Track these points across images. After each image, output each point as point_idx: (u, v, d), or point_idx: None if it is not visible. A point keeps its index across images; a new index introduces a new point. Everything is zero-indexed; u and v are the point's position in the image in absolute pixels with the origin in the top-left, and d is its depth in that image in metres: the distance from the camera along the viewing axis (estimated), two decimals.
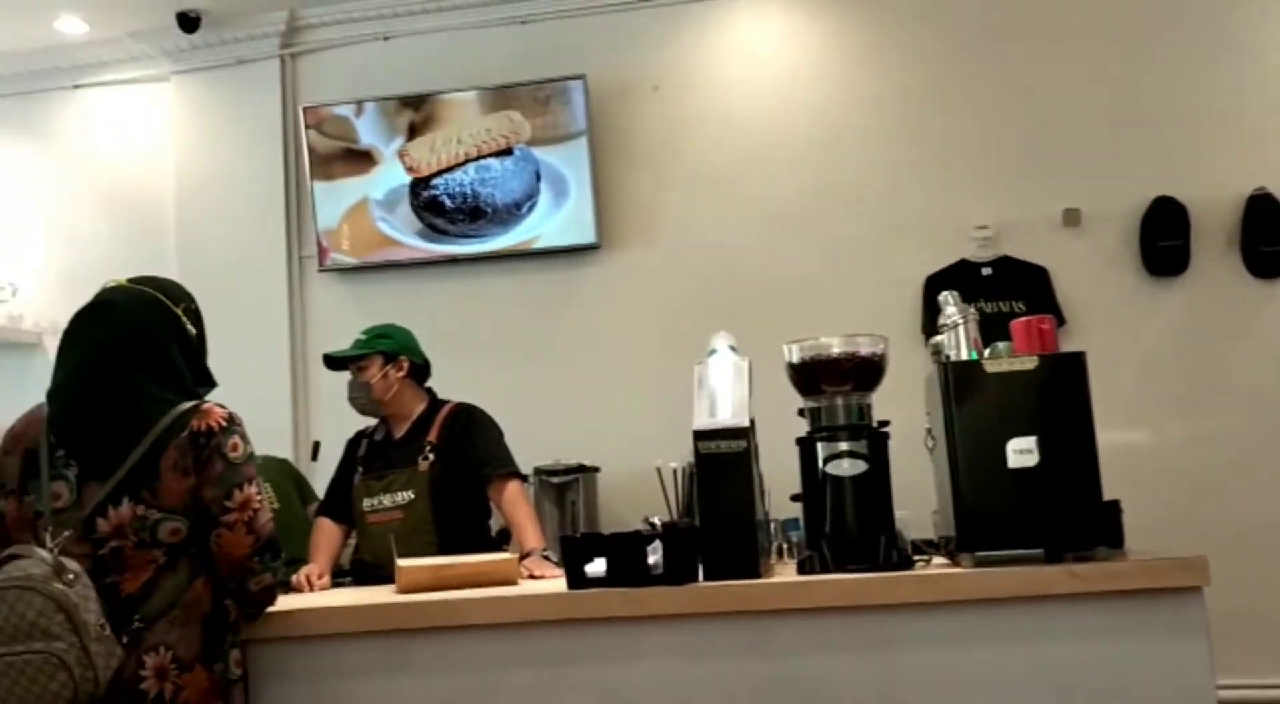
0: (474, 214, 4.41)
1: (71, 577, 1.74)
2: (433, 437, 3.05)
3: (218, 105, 4.67)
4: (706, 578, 2.01)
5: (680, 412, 4.12)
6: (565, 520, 3.84)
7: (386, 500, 3.00)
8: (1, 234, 4.80)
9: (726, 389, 2.13)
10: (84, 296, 4.98)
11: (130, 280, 2.05)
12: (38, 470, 1.87)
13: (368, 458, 3.13)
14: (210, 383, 2.05)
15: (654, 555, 1.99)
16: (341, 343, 3.28)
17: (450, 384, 3.27)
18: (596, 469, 4.06)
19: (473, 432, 3.07)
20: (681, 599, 1.96)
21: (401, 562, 2.25)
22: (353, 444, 3.23)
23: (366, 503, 3.03)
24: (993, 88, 4.22)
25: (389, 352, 3.09)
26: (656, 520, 2.12)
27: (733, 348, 2.26)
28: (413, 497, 2.98)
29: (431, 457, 3.01)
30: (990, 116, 4.21)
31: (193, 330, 2.04)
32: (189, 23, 4.43)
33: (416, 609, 2.08)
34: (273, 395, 4.39)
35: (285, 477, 3.65)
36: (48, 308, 4.74)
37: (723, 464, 2.01)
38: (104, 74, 4.78)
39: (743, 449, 2.02)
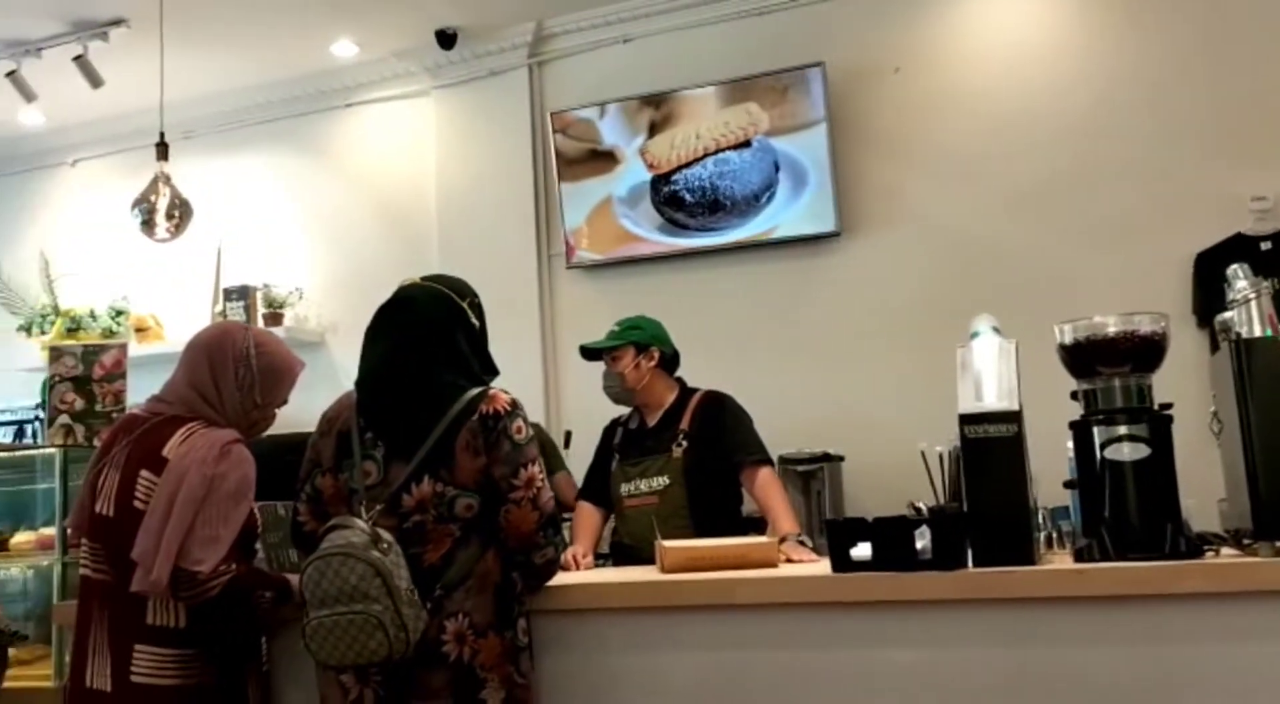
0: (713, 207, 4.48)
1: (385, 546, 1.93)
2: (685, 424, 3.13)
3: (473, 116, 4.97)
4: (976, 564, 1.98)
5: (925, 398, 4.06)
6: (811, 509, 3.85)
7: (643, 485, 3.11)
8: (290, 243, 5.31)
9: (992, 372, 2.09)
10: (358, 298, 5.44)
11: (423, 278, 2.23)
12: (350, 451, 2.08)
13: (623, 445, 3.25)
14: (493, 370, 2.21)
15: (921, 540, 1.98)
16: (590, 336, 3.44)
17: (693, 376, 3.35)
18: (841, 458, 4.04)
19: (724, 419, 3.14)
20: (951, 585, 1.95)
21: (666, 543, 2.34)
22: (609, 432, 3.36)
23: (624, 488, 3.15)
24: (1266, 47, 3.89)
25: (640, 342, 3.20)
26: (922, 505, 2.11)
27: (996, 330, 2.21)
28: (667, 482, 3.07)
29: (684, 444, 3.10)
30: (1263, 79, 3.88)
31: (476, 322, 2.21)
32: (446, 40, 4.75)
33: (685, 588, 2.16)
34: (527, 386, 4.61)
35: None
36: (328, 309, 5.20)
37: (991, 449, 1.98)
38: (372, 92, 5.18)
39: (1013, 433, 1.98)
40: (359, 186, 5.24)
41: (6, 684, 2.80)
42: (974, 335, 2.19)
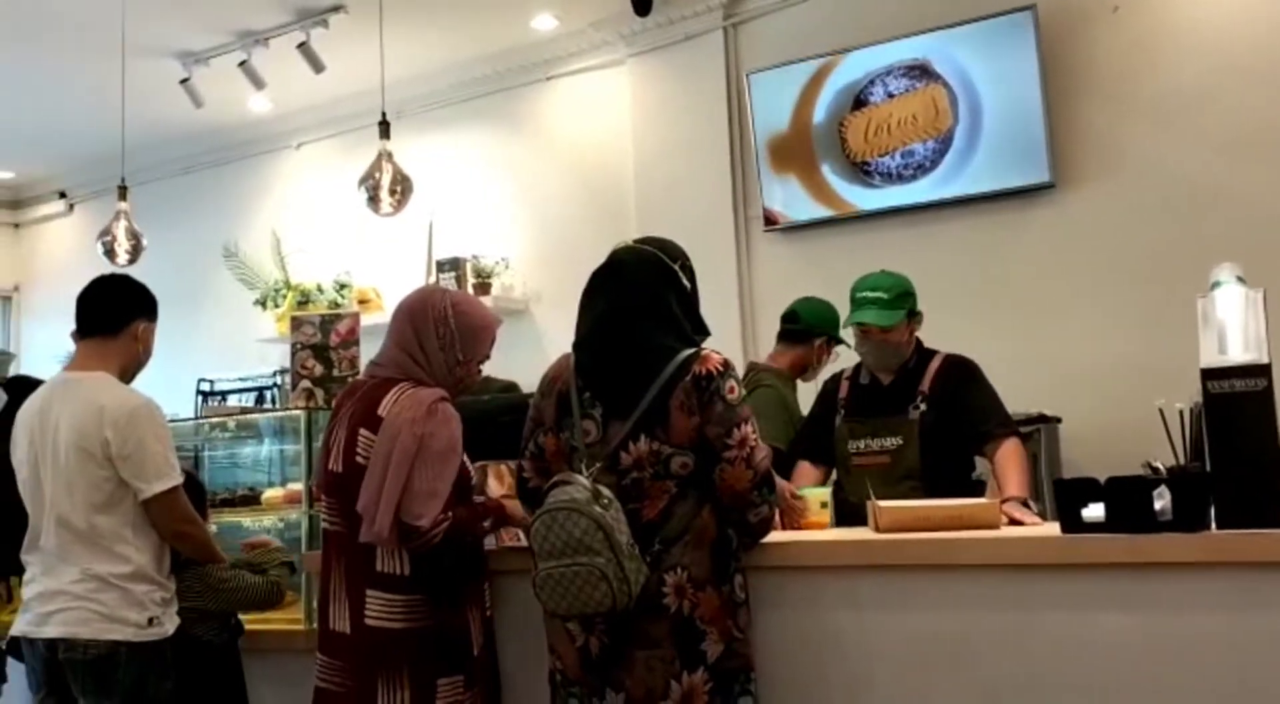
0: (912, 162, 4.36)
1: (606, 501, 2.00)
2: (925, 387, 2.95)
3: (668, 81, 5.00)
4: (1220, 527, 1.87)
5: (1150, 355, 3.82)
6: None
7: (874, 444, 2.96)
8: (496, 215, 5.51)
9: (1238, 323, 1.95)
10: (560, 266, 5.61)
11: (635, 241, 2.28)
12: (570, 410, 2.16)
13: (853, 401, 3.07)
14: (705, 331, 2.24)
15: (1160, 501, 1.88)
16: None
17: None
18: (1058, 419, 3.87)
19: (972, 386, 2.96)
20: (1193, 547, 1.85)
21: (881, 503, 2.32)
22: (831, 387, 3.18)
23: (851, 445, 2.99)
24: None
25: (913, 310, 3.03)
26: (1160, 465, 2.00)
27: (1240, 279, 2.06)
28: (901, 442, 2.92)
29: (923, 406, 2.92)
30: None
31: (688, 284, 2.24)
32: (642, 6, 4.79)
33: (905, 546, 2.14)
34: (724, 350, 4.59)
35: None
36: (533, 277, 5.39)
37: (1238, 404, 1.86)
38: (570, 64, 5.30)
39: (1262, 387, 1.85)
40: (559, 157, 5.38)
41: (266, 626, 3.08)
42: (1215, 285, 2.04)
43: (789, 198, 4.64)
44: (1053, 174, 4.09)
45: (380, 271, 5.72)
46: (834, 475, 3.08)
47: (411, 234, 5.49)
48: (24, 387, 3.21)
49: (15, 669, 3.01)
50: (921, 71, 4.34)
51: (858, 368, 3.14)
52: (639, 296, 2.15)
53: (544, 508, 2.01)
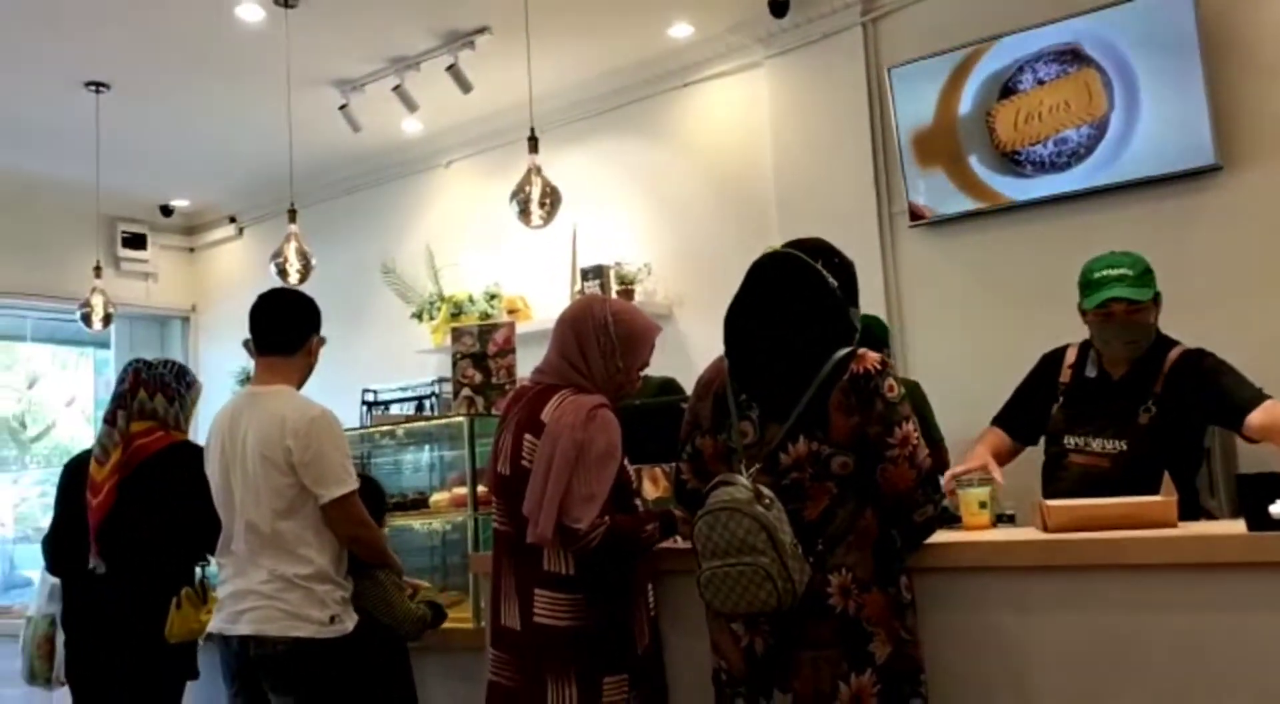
0: (1066, 150, 4.22)
1: (768, 501, 2.02)
2: (1158, 387, 2.70)
3: (807, 81, 4.98)
4: None
5: None
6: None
7: (1095, 445, 2.73)
8: (637, 222, 5.60)
9: None
10: (702, 271, 5.62)
11: (785, 244, 2.30)
12: (727, 412, 2.20)
13: (1075, 393, 2.84)
14: (855, 330, 2.23)
15: None
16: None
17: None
18: None
19: (1209, 380, 2.69)
20: None
21: (1049, 502, 2.27)
22: (1052, 365, 2.93)
23: (1069, 440, 2.78)
24: None
25: (1157, 291, 2.78)
26: None
27: None
28: (1125, 448, 2.68)
29: (1154, 410, 2.67)
30: None
31: (839, 283, 2.24)
32: (779, 8, 4.79)
33: (1077, 546, 2.09)
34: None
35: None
36: (674, 282, 5.44)
37: None
38: (707, 70, 5.33)
39: None
40: (698, 162, 5.42)
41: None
42: None
43: (935, 192, 4.56)
44: (1219, 156, 3.89)
45: (527, 281, 5.89)
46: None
47: (555, 244, 5.62)
48: None
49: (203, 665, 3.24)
50: (1073, 56, 4.20)
51: (1083, 355, 2.87)
52: (791, 297, 2.17)
53: (706, 508, 2.05)
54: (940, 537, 2.22)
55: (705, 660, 2.25)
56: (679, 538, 2.47)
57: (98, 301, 5.70)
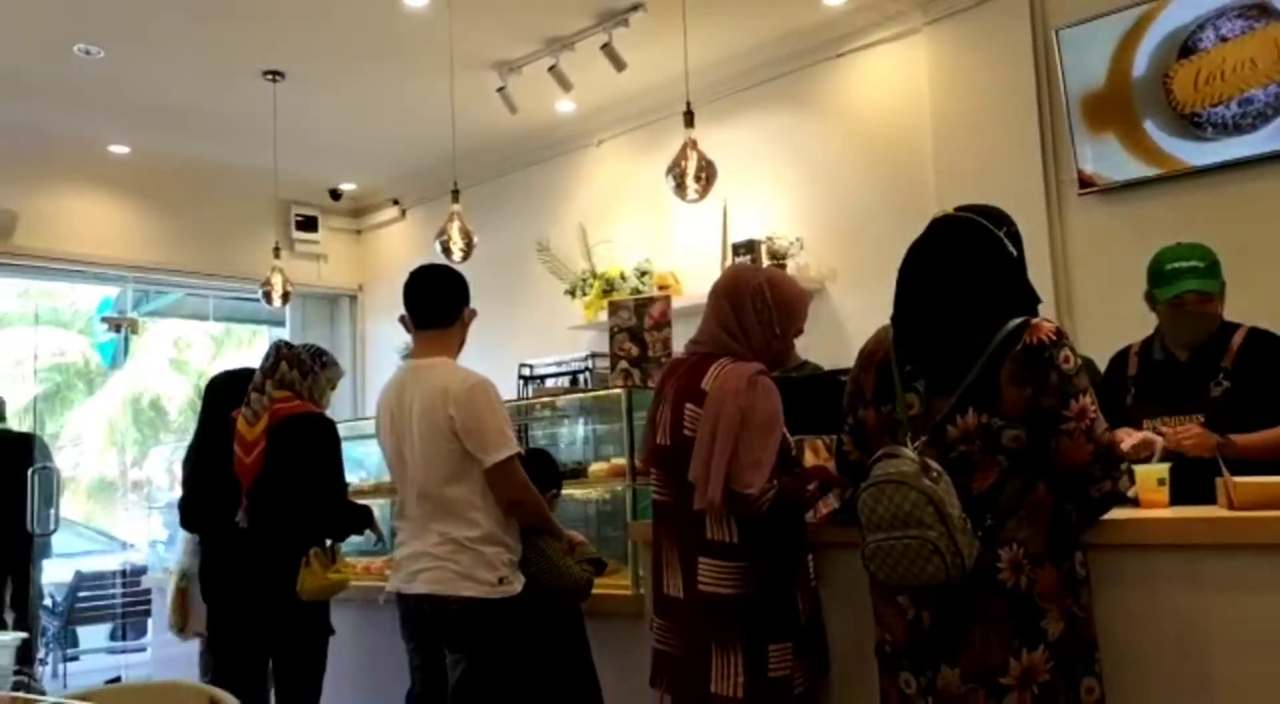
0: (1251, 111, 3.96)
1: (935, 474, 1.98)
2: (1228, 362, 2.80)
3: (968, 46, 4.82)
4: None
5: None
6: None
7: (1171, 422, 2.82)
8: (788, 195, 5.55)
9: None
10: (855, 244, 5.54)
11: (957, 209, 2.24)
12: (891, 384, 2.17)
13: (1143, 378, 2.96)
14: (1035, 299, 2.16)
15: None
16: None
17: (1235, 308, 2.95)
18: None
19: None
20: None
21: (1235, 478, 2.16)
22: (1119, 363, 3.06)
23: (1146, 425, 2.86)
24: None
25: (1223, 280, 2.89)
26: None
27: None
28: (1201, 420, 2.76)
29: (1226, 383, 2.78)
30: None
31: (1014, 251, 2.18)
32: None
33: (1262, 524, 1.99)
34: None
35: None
36: (827, 256, 5.38)
37: None
38: (862, 39, 5.23)
39: None
40: (852, 134, 5.33)
41: (596, 591, 3.31)
42: None
43: (1106, 158, 4.36)
44: None
45: (678, 257, 5.92)
46: None
47: (706, 220, 5.65)
48: None
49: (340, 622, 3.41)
50: (1259, 10, 3.93)
51: (1147, 344, 2.99)
52: (962, 265, 2.12)
53: (871, 480, 2.03)
54: (1115, 513, 2.14)
55: (867, 632, 2.24)
56: (832, 499, 2.47)
57: (277, 280, 6.04)
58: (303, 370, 3.47)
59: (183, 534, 3.73)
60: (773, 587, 2.37)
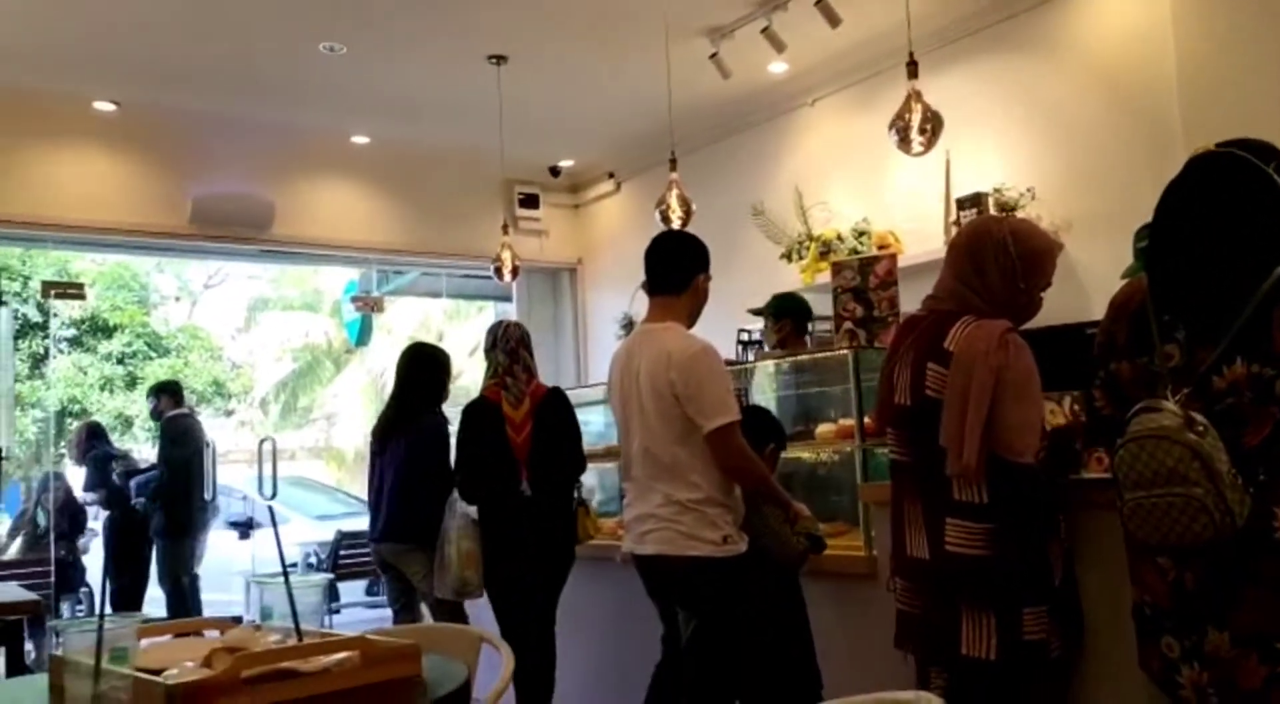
0: None
1: (1201, 428, 1.86)
2: None
3: None
4: None
5: None
6: None
7: None
8: (1017, 144, 5.29)
9: None
10: (1093, 192, 5.23)
11: (1218, 144, 2.08)
12: (1147, 335, 2.05)
13: None
14: None
15: None
16: None
17: None
18: None
19: None
20: None
21: None
22: None
23: None
24: None
25: None
26: None
27: None
28: None
29: None
30: None
31: None
32: None
33: None
34: None
35: None
36: (1061, 206, 5.08)
37: None
38: None
39: None
40: (1086, 75, 5.02)
41: (829, 552, 3.31)
42: None
43: None
44: None
45: (897, 215, 5.77)
46: None
47: (927, 175, 5.48)
48: None
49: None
50: None
51: None
52: (1225, 204, 1.97)
53: (1129, 435, 1.93)
54: None
55: (1123, 594, 2.14)
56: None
57: (506, 257, 6.34)
58: (530, 352, 3.90)
59: (455, 503, 3.99)
60: (1026, 548, 2.28)
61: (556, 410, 3.80)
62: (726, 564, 2.95)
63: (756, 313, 4.99)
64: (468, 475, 3.87)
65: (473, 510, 3.88)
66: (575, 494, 3.90)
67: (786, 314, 4.73)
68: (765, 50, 5.46)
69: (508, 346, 3.82)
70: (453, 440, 4.00)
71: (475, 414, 3.86)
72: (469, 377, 10.54)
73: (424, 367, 4.36)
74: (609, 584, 3.87)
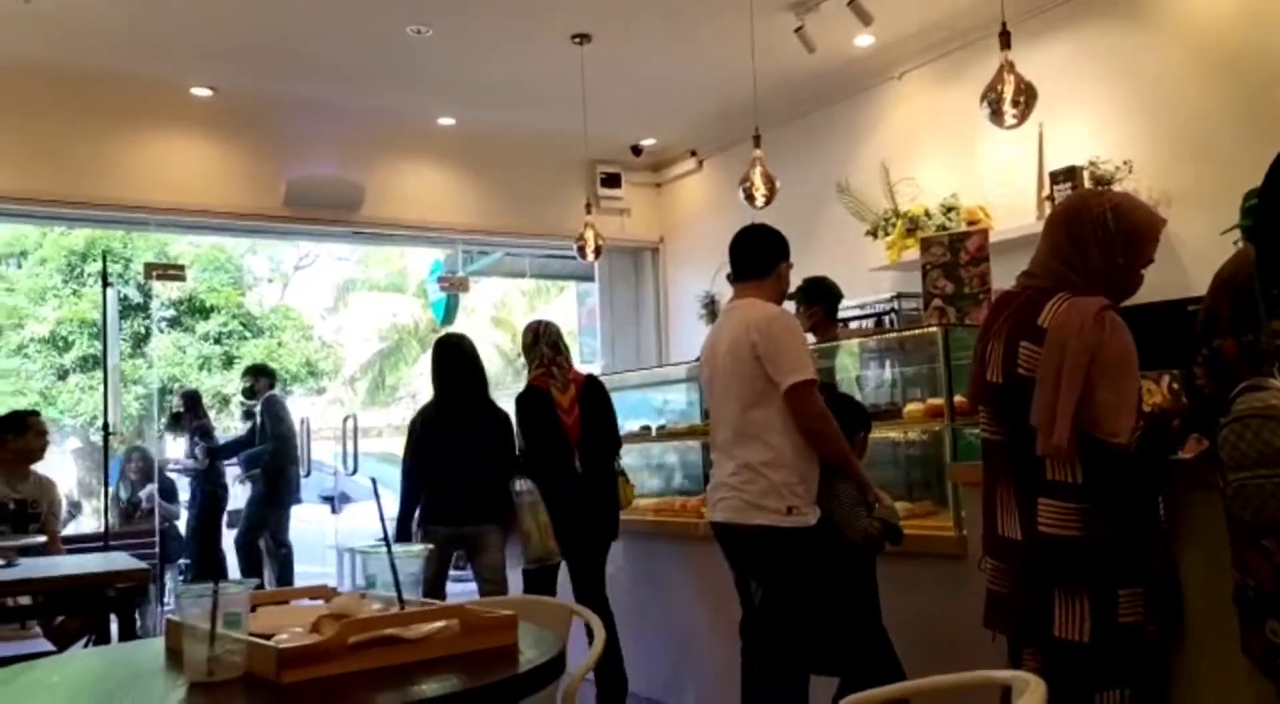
0: None
1: None
2: None
3: None
4: None
5: None
6: None
7: None
8: (1113, 116, 5.13)
9: None
10: (1193, 164, 5.07)
11: None
12: (1253, 311, 1.98)
13: None
14: None
15: None
16: None
17: None
18: None
19: None
20: None
21: None
22: None
23: None
24: None
25: None
26: None
27: None
28: None
29: None
30: None
31: None
32: None
33: None
34: None
35: None
36: (1160, 179, 4.92)
37: None
38: None
39: None
40: (1187, 43, 4.84)
41: (917, 532, 3.28)
42: None
43: None
44: None
45: (987, 190, 5.66)
46: None
47: (1018, 149, 5.35)
48: None
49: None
50: None
51: None
52: None
53: (1234, 415, 1.88)
54: None
55: (1224, 578, 2.09)
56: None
57: (589, 236, 6.37)
58: (566, 345, 4.48)
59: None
60: (1120, 529, 2.23)
61: (597, 395, 4.39)
62: (791, 534, 2.97)
63: (790, 297, 4.90)
64: (534, 455, 4.28)
65: (534, 487, 4.19)
66: (615, 466, 4.43)
67: (820, 299, 4.62)
68: (851, 23, 5.38)
69: (550, 341, 4.39)
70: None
71: (531, 401, 4.32)
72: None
73: (470, 357, 4.46)
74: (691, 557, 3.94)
